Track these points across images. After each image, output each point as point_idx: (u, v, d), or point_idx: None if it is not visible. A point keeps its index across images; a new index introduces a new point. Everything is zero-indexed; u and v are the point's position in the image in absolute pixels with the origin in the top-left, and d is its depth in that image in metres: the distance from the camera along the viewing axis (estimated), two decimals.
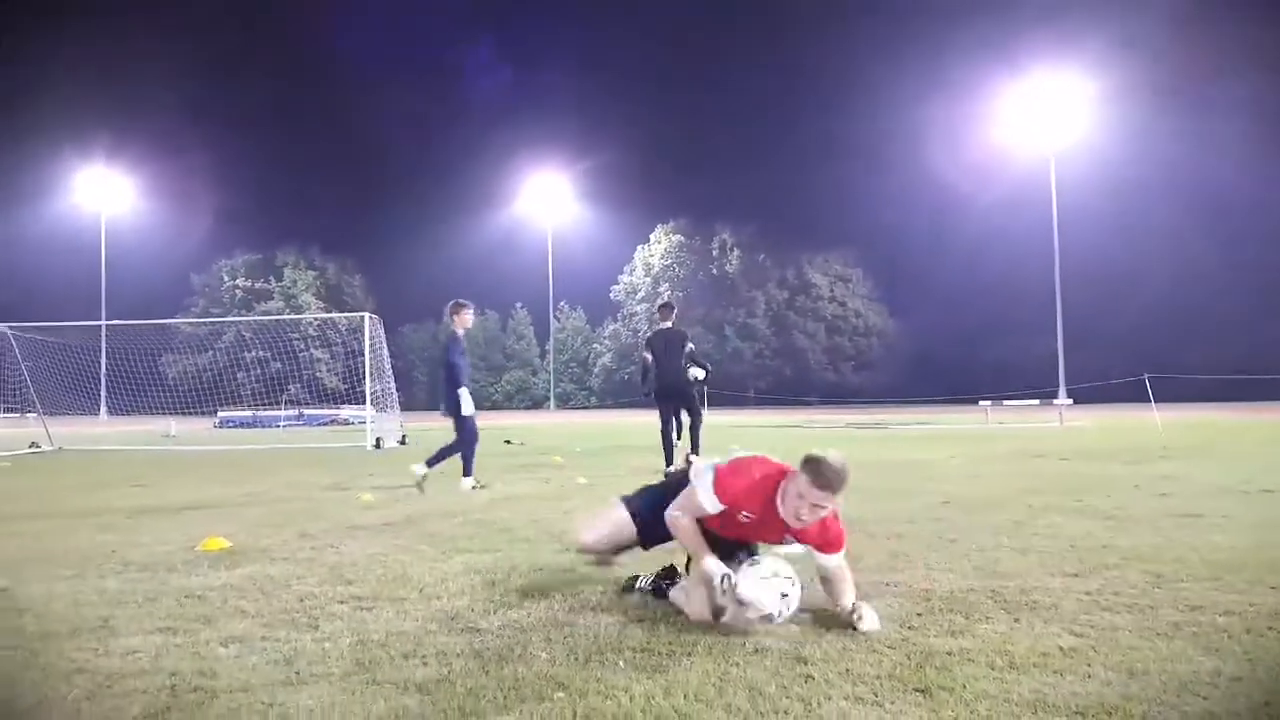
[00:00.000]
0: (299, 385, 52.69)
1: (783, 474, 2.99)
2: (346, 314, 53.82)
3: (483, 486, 7.61)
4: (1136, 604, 3.18)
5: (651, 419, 10.16)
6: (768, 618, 2.86)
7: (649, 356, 9.40)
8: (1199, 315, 59.13)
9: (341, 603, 3.34)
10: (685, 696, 2.28)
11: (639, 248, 74.89)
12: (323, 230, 74.24)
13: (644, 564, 3.58)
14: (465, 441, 7.85)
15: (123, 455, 14.26)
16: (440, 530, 5.18)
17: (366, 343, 16.76)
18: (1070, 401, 27.89)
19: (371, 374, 16.84)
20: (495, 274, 69.89)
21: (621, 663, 2.58)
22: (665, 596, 3.26)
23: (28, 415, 18.49)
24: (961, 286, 67.22)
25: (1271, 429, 17.60)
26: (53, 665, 2.60)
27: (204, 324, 59.26)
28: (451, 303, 8.10)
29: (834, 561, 3.04)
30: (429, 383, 68.44)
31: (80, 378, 21.49)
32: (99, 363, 25.98)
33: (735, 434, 18.66)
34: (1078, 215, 43.58)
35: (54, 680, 2.46)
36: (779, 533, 3.08)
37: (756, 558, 3.05)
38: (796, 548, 4.06)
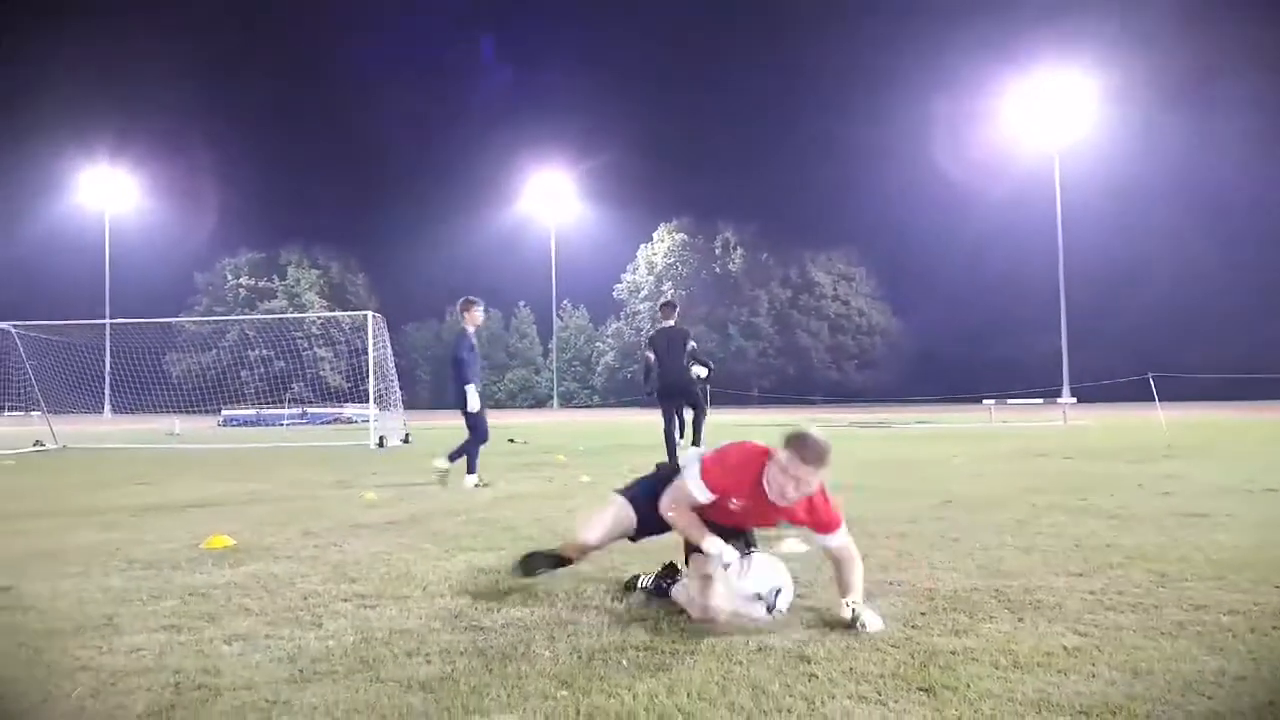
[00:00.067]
0: (302, 384, 52.83)
1: (766, 455, 2.99)
2: (350, 312, 53.91)
3: (486, 485, 7.63)
4: (1141, 603, 3.18)
5: (654, 418, 10.16)
6: (760, 600, 2.88)
7: (651, 355, 9.40)
8: (1199, 315, 58.97)
9: (345, 601, 3.35)
10: (688, 695, 2.28)
11: (642, 246, 74.79)
12: (326, 229, 74.19)
13: (644, 563, 3.58)
14: (473, 439, 7.88)
15: (127, 453, 14.28)
16: (444, 529, 5.18)
17: (370, 341, 16.76)
18: (1074, 400, 27.88)
19: (374, 372, 16.85)
20: (498, 273, 69.79)
21: (624, 661, 2.58)
22: (667, 595, 3.26)
23: (32, 414, 18.56)
24: (965, 285, 67.07)
25: (1273, 428, 17.56)
26: (57, 663, 2.60)
27: (208, 322, 59.27)
28: (461, 300, 8.29)
29: (835, 541, 3.04)
30: (432, 381, 68.55)
31: (84, 376, 21.56)
32: (103, 361, 26.05)
33: (739, 433, 18.49)
34: (1079, 214, 43.44)
35: (58, 678, 2.47)
36: (770, 517, 3.09)
37: (752, 550, 3.07)
38: (797, 547, 4.06)
